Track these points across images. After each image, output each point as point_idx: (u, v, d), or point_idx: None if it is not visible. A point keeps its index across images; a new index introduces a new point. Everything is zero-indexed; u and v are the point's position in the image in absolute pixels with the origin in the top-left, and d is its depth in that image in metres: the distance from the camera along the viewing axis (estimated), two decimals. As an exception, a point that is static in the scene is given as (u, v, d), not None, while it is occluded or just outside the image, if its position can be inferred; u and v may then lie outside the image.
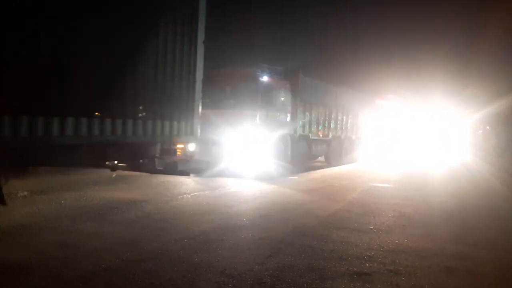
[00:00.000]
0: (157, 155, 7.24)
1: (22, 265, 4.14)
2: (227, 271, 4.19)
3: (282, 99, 12.33)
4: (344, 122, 16.20)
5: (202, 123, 11.33)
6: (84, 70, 5.42)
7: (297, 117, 12.80)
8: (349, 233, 5.83)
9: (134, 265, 4.28)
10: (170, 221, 6.13)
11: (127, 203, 7.15)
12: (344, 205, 7.91)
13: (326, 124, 14.81)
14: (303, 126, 13.25)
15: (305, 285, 3.96)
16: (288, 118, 12.55)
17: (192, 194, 8.48)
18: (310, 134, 13.66)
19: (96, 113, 5.72)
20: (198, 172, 9.02)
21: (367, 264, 4.57)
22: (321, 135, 14.48)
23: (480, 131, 24.79)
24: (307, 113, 13.43)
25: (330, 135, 15.14)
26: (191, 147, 8.12)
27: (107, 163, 7.01)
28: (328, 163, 15.51)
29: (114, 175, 8.16)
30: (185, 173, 8.04)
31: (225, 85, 11.90)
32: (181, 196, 8.16)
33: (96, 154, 6.11)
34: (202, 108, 11.67)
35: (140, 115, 6.56)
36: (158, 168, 7.45)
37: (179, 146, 7.66)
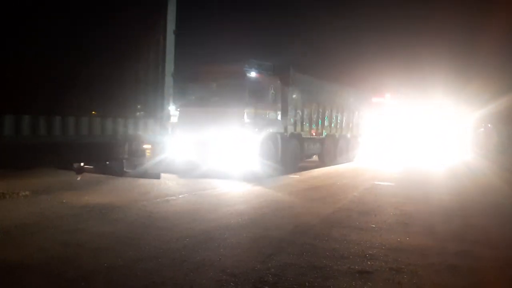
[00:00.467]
0: (126, 156, 6.78)
1: (24, 264, 4.16)
2: (229, 269, 4.20)
3: (272, 96, 11.75)
4: (339, 120, 15.68)
5: (187, 121, 11.15)
6: (36, 66, 5.14)
7: (288, 115, 12.25)
8: (351, 231, 5.82)
9: (135, 263, 4.29)
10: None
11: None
12: (345, 204, 7.90)
13: (320, 122, 14.26)
14: (295, 125, 12.70)
15: (307, 283, 3.96)
16: (279, 116, 11.99)
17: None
18: (302, 133, 13.13)
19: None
20: (180, 173, 8.37)
21: (368, 263, 4.57)
22: (314, 134, 13.93)
23: (482, 129, 24.74)
24: (299, 111, 12.90)
25: (324, 134, 14.62)
26: (160, 146, 7.30)
27: (74, 165, 6.67)
28: (322, 163, 14.95)
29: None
30: (156, 176, 7.31)
31: (211, 81, 11.53)
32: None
33: (59, 155, 5.73)
34: (187, 106, 11.56)
35: (95, 112, 6.00)
36: (127, 170, 7.01)
37: (147, 146, 7.04)
